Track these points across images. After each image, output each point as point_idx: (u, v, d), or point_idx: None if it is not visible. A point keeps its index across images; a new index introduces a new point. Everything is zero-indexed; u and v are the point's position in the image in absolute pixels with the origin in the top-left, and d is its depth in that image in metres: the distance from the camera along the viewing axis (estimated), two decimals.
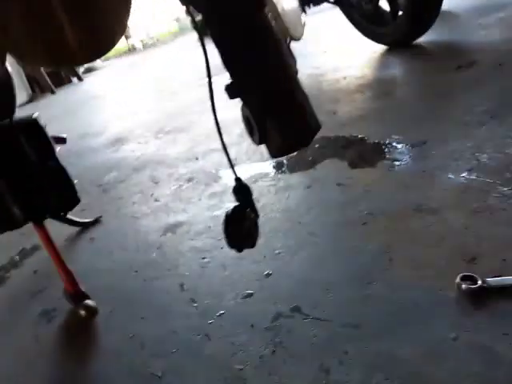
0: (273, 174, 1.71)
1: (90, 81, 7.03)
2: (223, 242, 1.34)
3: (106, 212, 1.74)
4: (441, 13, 2.66)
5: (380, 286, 0.98)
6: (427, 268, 1.00)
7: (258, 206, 1.49)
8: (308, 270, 1.12)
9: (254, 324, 0.98)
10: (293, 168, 1.71)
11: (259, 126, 0.52)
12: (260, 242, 1.28)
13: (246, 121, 0.55)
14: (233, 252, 1.28)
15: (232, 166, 0.68)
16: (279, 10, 0.49)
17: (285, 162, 1.78)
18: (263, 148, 1.98)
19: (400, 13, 2.75)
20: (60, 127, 3.25)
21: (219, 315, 1.04)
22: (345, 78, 2.68)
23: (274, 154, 0.57)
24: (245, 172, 1.79)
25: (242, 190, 0.66)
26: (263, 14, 0.55)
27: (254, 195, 1.64)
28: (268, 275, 1.14)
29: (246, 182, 0.68)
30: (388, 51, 2.93)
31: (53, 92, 5.38)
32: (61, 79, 6.38)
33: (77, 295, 1.11)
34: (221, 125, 2.22)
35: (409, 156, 1.53)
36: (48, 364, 1.07)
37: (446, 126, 1.65)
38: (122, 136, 2.76)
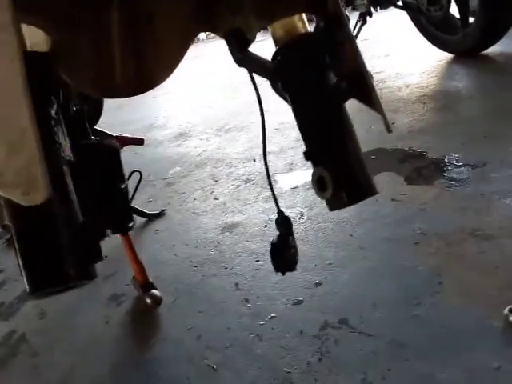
0: None
1: None
2: None
3: (170, 205, 1.88)
4: None
5: (428, 309, 1.01)
6: (477, 295, 1.02)
7: (311, 214, 1.57)
8: (357, 283, 1.17)
9: (302, 330, 1.06)
10: None
11: (334, 187, 0.62)
12: (312, 250, 1.37)
13: (319, 179, 0.64)
14: None
15: (276, 201, 0.76)
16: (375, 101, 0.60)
17: None
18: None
19: (471, 20, 2.67)
20: (128, 116, 3.45)
21: (270, 318, 1.13)
22: (407, 85, 2.66)
23: (332, 208, 0.67)
24: (300, 178, 1.85)
25: (283, 221, 0.75)
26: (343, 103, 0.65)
27: (307, 203, 1.71)
28: (318, 284, 1.20)
29: (287, 214, 0.78)
30: (454, 60, 2.86)
31: None
32: None
33: (145, 285, 1.24)
34: (279, 128, 2.28)
35: (468, 177, 1.53)
36: (114, 343, 1.20)
37: (510, 148, 1.62)
38: (185, 131, 2.91)
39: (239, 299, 1.22)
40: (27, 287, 0.48)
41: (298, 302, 1.16)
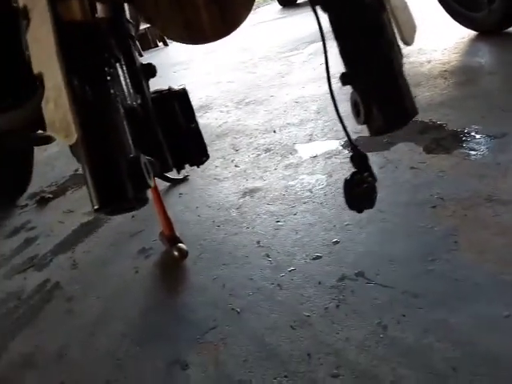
0: (347, 151, 1.80)
1: (174, 46, 7.34)
2: (296, 209, 1.50)
3: (192, 171, 1.94)
4: None
5: (443, 264, 1.06)
6: (490, 253, 1.07)
7: (331, 180, 1.62)
8: (374, 242, 1.22)
9: (321, 281, 1.12)
10: (367, 148, 1.78)
11: (365, 110, 0.64)
12: (330, 212, 1.43)
13: (354, 104, 0.66)
14: (304, 219, 1.44)
15: (349, 137, 0.77)
16: (393, 10, 0.58)
17: (360, 141, 1.85)
18: (338, 126, 2.05)
19: None
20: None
21: (290, 271, 1.19)
22: (429, 61, 2.65)
23: (373, 133, 0.68)
24: (320, 148, 1.89)
25: (358, 156, 0.76)
26: (384, 14, 0.65)
27: (327, 170, 1.76)
28: (336, 243, 1.26)
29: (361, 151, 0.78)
30: (477, 37, 2.82)
31: (140, 55, 5.72)
32: (148, 43, 6.72)
33: (172, 238, 1.31)
34: (299, 101, 2.30)
35: (486, 147, 1.55)
36: (144, 290, 1.29)
37: None
38: (205, 103, 2.96)
39: (260, 255, 1.29)
40: (95, 205, 0.56)
41: (317, 258, 1.21)
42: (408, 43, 0.59)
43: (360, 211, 0.84)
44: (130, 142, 0.60)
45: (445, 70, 2.41)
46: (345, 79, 0.68)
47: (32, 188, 2.24)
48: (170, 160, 0.75)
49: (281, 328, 1.00)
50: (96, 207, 0.55)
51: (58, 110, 0.51)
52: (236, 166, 1.94)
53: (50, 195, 2.17)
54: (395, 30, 0.60)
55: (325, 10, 0.68)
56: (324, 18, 0.74)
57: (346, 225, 1.33)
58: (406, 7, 0.62)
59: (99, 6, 0.67)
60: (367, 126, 0.67)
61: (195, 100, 3.11)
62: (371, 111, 0.64)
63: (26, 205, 2.16)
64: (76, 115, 0.51)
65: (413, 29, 0.61)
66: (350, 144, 0.80)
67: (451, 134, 1.71)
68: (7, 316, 1.31)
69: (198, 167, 0.88)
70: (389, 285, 1.05)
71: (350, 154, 0.82)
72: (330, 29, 0.69)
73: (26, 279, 1.49)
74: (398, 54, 0.65)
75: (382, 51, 0.64)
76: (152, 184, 0.58)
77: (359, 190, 0.77)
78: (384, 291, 1.03)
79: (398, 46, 0.66)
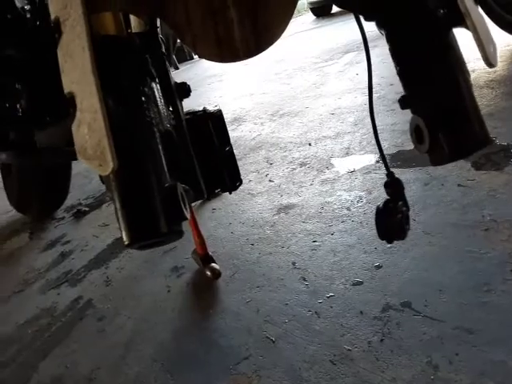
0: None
1: None
2: (334, 229, 1.42)
3: None
4: None
5: (499, 296, 0.96)
6: None
7: (370, 197, 1.53)
8: (420, 268, 1.13)
9: (363, 311, 1.04)
10: (410, 163, 1.69)
11: (431, 138, 0.56)
12: (370, 233, 1.34)
13: (416, 130, 0.59)
14: (342, 239, 1.36)
15: (385, 161, 0.72)
16: (475, 26, 0.50)
17: (401, 155, 1.76)
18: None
19: None
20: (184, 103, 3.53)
21: (328, 297, 1.12)
22: (473, 70, 2.52)
23: (435, 163, 0.60)
24: (357, 162, 1.82)
25: (393, 184, 0.71)
26: (450, 33, 0.58)
27: (366, 186, 1.67)
28: (378, 267, 1.18)
29: (397, 176, 0.73)
30: None
31: (176, 68, 5.80)
32: (184, 56, 6.82)
33: (205, 258, 1.27)
34: (335, 113, 2.23)
35: None
36: (176, 312, 1.24)
37: None
38: (239, 115, 2.93)
39: (296, 277, 1.22)
40: (125, 240, 0.50)
41: (358, 283, 1.14)
42: (492, 64, 0.51)
43: (390, 242, 0.77)
44: (166, 169, 0.55)
45: (491, 80, 2.28)
46: (405, 102, 0.60)
47: (69, 200, 2.27)
48: (203, 186, 0.70)
49: (319, 362, 0.93)
50: (127, 243, 0.50)
51: (93, 135, 0.46)
52: (270, 180, 1.89)
53: (87, 208, 2.18)
54: (477, 49, 0.52)
55: (382, 25, 0.61)
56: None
57: (389, 247, 1.24)
58: (484, 22, 0.54)
59: (133, 21, 0.63)
60: (428, 154, 0.59)
61: (229, 112, 3.09)
62: (437, 139, 0.56)
63: (63, 218, 2.18)
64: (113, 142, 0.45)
65: (494, 47, 0.53)
66: (386, 168, 0.74)
67: (502, 148, 1.59)
68: (40, 333, 1.30)
69: (230, 193, 0.83)
70: (439, 318, 0.96)
71: (385, 179, 0.77)
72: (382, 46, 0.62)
73: (59, 295, 1.48)
74: (467, 74, 0.57)
75: (450, 72, 0.57)
76: (188, 216, 0.52)
77: (392, 221, 0.71)
78: (433, 325, 0.94)
79: (465, 64, 0.58)
